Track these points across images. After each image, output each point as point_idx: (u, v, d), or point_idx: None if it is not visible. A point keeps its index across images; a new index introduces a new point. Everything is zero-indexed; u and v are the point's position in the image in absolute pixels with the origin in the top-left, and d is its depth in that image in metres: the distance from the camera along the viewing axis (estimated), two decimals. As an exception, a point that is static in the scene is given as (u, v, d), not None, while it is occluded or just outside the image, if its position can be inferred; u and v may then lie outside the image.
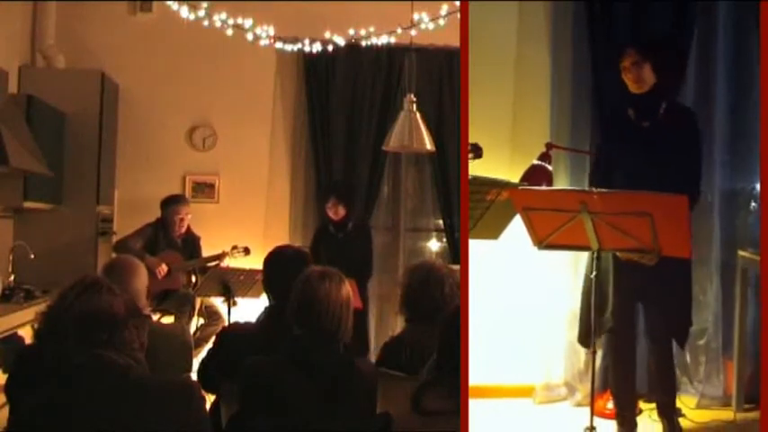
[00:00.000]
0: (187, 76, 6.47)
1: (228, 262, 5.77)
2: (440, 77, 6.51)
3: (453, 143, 6.27)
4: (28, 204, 5.34)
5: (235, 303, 4.90)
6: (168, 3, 4.99)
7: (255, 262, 5.41)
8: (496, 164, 3.58)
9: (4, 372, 3.91)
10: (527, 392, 4.31)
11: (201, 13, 5.01)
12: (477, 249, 3.41)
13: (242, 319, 3.82)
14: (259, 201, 6.55)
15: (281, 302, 2.78)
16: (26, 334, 4.30)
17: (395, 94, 6.42)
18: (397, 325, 5.67)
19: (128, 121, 6.41)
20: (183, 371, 3.08)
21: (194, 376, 3.06)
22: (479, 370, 4.28)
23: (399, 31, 5.16)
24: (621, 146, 3.56)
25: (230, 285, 4.87)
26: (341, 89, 6.51)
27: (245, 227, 6.39)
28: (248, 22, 5.17)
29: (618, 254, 3.31)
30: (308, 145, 6.57)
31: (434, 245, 7.05)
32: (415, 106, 4.93)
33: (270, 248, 3.26)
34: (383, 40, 5.37)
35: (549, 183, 3.49)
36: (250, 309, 4.54)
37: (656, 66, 3.46)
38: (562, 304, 4.34)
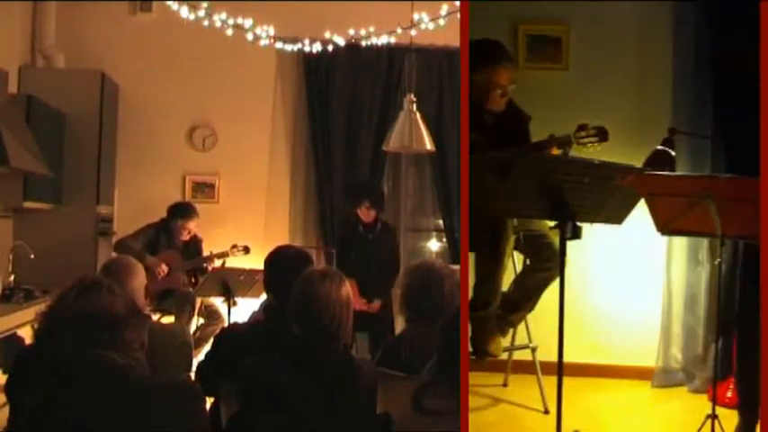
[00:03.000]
0: (187, 76, 6.47)
1: (228, 261, 5.78)
2: (440, 77, 6.51)
3: (453, 143, 6.27)
4: (28, 204, 5.34)
5: (235, 303, 4.90)
6: (168, 3, 4.99)
7: (256, 262, 5.42)
8: (619, 148, 3.58)
9: (4, 372, 3.92)
10: (645, 375, 4.30)
11: (201, 13, 5.01)
12: (599, 233, 3.45)
13: (241, 320, 3.82)
14: (259, 201, 6.55)
15: (282, 302, 2.78)
16: (26, 334, 4.30)
17: (395, 94, 6.42)
18: (397, 325, 5.67)
19: (128, 121, 6.41)
20: (183, 371, 3.08)
21: (194, 376, 3.06)
22: (599, 350, 4.33)
23: (399, 31, 5.16)
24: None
25: (230, 285, 4.87)
26: (341, 89, 6.52)
27: (245, 227, 6.40)
28: (248, 22, 5.17)
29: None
30: (308, 145, 6.58)
31: (434, 245, 7.06)
32: (415, 106, 4.93)
33: (270, 248, 3.26)
34: (383, 40, 5.37)
35: (672, 168, 3.49)
36: (250, 309, 4.54)
37: None
38: (681, 288, 4.35)
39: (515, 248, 3.61)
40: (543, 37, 4.39)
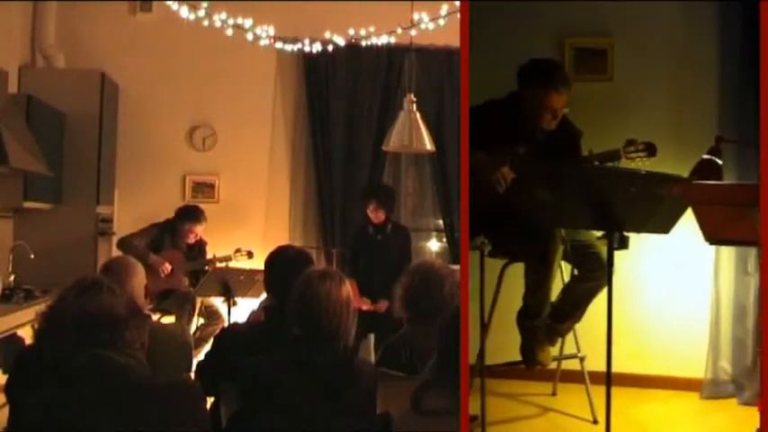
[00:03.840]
0: (187, 76, 6.47)
1: (230, 263, 5.78)
2: (440, 77, 6.51)
3: (453, 143, 6.27)
4: (28, 204, 5.34)
5: (235, 303, 4.91)
6: (168, 3, 4.99)
7: (256, 262, 5.43)
8: (665, 158, 3.57)
9: (4, 372, 3.91)
10: (694, 386, 4.27)
11: (201, 13, 5.01)
12: (646, 243, 3.49)
13: (241, 320, 3.82)
14: (259, 201, 6.55)
15: (282, 302, 2.78)
16: (26, 334, 4.30)
17: (395, 94, 6.42)
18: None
19: (128, 122, 6.41)
20: (183, 371, 3.08)
21: (194, 376, 3.06)
22: (647, 360, 4.30)
23: (399, 31, 5.16)
24: None
25: (230, 285, 4.87)
26: (341, 89, 6.52)
27: (246, 227, 6.40)
28: (248, 22, 5.16)
29: None
30: (308, 144, 6.58)
31: (434, 245, 7.06)
32: (415, 106, 4.93)
33: (270, 249, 3.26)
34: (383, 40, 5.36)
35: (719, 177, 3.47)
36: (250, 309, 4.55)
37: None
38: (730, 299, 4.31)
39: (563, 258, 3.60)
40: (588, 49, 4.41)
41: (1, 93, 5.00)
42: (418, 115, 4.94)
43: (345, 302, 2.57)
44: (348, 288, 2.62)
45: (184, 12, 4.99)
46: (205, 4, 5.01)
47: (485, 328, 3.59)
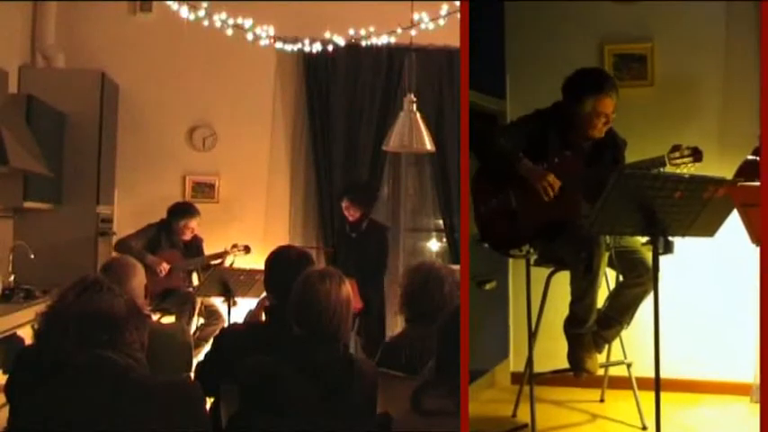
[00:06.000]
0: (187, 76, 6.47)
1: (229, 260, 5.79)
2: (440, 77, 6.51)
3: (453, 143, 6.27)
4: (28, 204, 5.34)
5: (235, 303, 4.91)
6: (168, 3, 4.99)
7: (256, 262, 5.43)
8: (709, 159, 3.51)
9: (4, 372, 3.91)
10: (744, 390, 4.18)
11: (201, 13, 5.01)
12: (692, 246, 3.45)
13: (241, 320, 3.83)
14: (259, 201, 6.55)
15: (282, 302, 2.78)
16: (26, 334, 4.30)
17: (395, 94, 6.43)
18: (397, 325, 5.68)
19: (128, 121, 6.41)
20: (183, 371, 3.08)
21: (194, 376, 3.06)
22: (694, 365, 4.25)
23: (399, 31, 5.16)
24: None
25: (230, 285, 4.87)
26: (341, 89, 6.52)
27: (245, 227, 6.40)
28: (248, 22, 5.17)
29: None
30: (308, 145, 6.59)
31: (434, 245, 7.06)
32: (415, 106, 4.93)
33: (270, 248, 3.26)
34: (383, 40, 5.37)
35: None
36: (250, 309, 4.55)
37: None
38: None
39: (608, 265, 3.57)
40: (628, 55, 4.39)
41: (1, 93, 5.01)
42: (418, 115, 4.94)
43: (345, 302, 2.57)
44: (348, 288, 2.62)
45: (184, 12, 4.99)
46: (205, 4, 5.01)
47: (533, 336, 3.60)
